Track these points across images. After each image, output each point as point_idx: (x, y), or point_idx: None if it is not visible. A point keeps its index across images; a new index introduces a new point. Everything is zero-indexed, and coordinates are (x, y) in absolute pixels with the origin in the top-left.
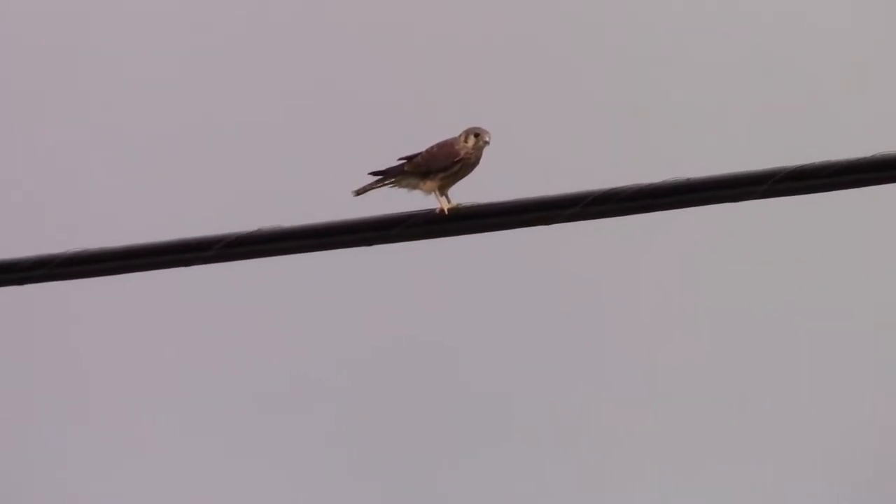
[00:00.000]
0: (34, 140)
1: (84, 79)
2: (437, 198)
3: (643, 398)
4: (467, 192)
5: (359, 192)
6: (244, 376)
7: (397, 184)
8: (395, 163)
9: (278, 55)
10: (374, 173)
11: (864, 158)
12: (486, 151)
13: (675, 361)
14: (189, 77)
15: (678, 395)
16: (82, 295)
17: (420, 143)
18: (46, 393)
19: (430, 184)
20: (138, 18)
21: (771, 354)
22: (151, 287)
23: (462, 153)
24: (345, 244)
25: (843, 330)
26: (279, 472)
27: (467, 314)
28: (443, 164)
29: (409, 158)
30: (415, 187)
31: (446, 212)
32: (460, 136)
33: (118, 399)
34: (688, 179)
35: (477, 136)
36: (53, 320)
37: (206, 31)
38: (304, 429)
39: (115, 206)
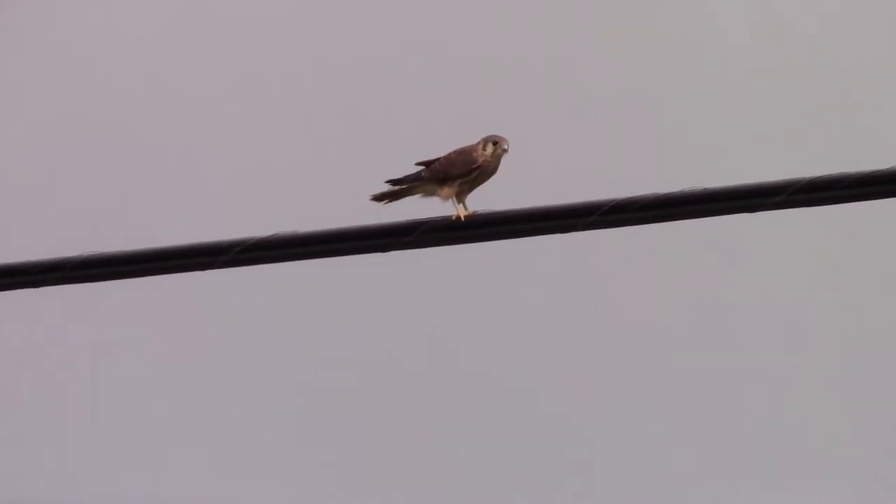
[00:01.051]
0: (51, 143)
1: (100, 82)
2: (454, 204)
3: (652, 404)
4: (484, 199)
5: (376, 198)
6: (258, 380)
7: (415, 190)
8: (412, 167)
9: (297, 60)
10: (392, 181)
11: (881, 171)
12: (504, 159)
13: (690, 368)
14: (207, 81)
15: (697, 401)
16: (97, 298)
17: (438, 150)
18: (59, 395)
19: (447, 190)
20: (158, 22)
21: (787, 362)
22: (167, 290)
23: (480, 160)
24: (360, 250)
25: (855, 345)
26: (295, 475)
27: (482, 321)
28: (461, 170)
29: (427, 164)
30: (432, 193)
31: (463, 219)
32: (479, 143)
33: (131, 401)
34: (704, 189)
35: (496, 143)
36: (68, 323)
37: (226, 35)
38: (317, 435)
39: (132, 210)
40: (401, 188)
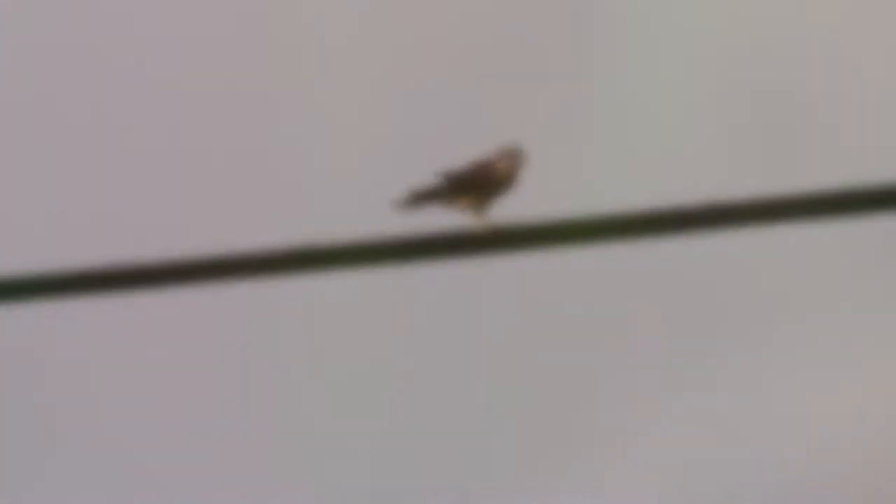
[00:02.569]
0: (57, 155)
1: (109, 90)
2: (473, 218)
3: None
4: (502, 211)
5: (398, 208)
6: (269, 395)
7: (435, 205)
8: (430, 179)
9: (315, 68)
10: (413, 195)
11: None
12: (524, 171)
13: (697, 380)
14: (221, 91)
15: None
16: (101, 312)
17: (455, 161)
18: (61, 408)
19: (465, 202)
20: (171, 32)
21: (796, 374)
22: (174, 305)
23: (499, 171)
24: (376, 263)
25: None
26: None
27: (495, 335)
28: (480, 183)
29: (446, 177)
30: (451, 207)
31: (482, 232)
32: (495, 154)
33: (131, 417)
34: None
35: (512, 154)
36: (70, 337)
37: (242, 39)
38: (325, 448)
39: (142, 222)
40: (421, 203)
